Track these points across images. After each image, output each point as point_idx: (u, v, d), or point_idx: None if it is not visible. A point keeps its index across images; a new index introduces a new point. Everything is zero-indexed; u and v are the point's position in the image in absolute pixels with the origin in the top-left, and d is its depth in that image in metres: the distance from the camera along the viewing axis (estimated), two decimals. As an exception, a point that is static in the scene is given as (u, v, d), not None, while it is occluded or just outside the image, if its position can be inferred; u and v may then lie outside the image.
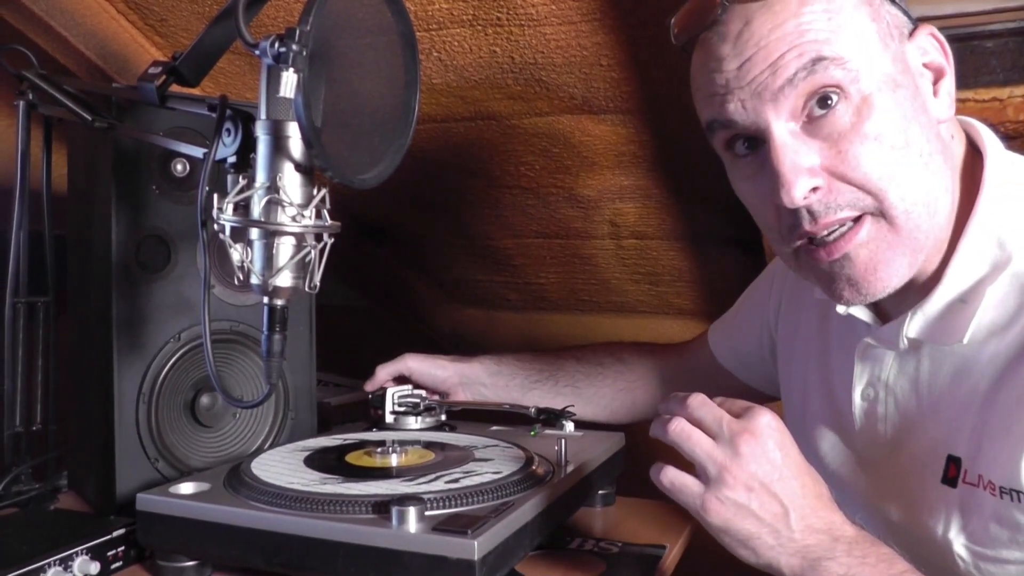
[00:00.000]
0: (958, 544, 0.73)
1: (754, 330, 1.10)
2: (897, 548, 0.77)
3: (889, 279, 0.73)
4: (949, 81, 0.75)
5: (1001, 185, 0.74)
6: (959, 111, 0.80)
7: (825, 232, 0.72)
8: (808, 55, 0.68)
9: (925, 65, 0.74)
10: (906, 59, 0.72)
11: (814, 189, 0.70)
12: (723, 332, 1.17)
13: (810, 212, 0.71)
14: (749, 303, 1.14)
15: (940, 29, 0.90)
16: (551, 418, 1.10)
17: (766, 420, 0.70)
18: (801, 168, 0.69)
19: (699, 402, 0.72)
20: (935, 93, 0.74)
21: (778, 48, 0.69)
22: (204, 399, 1.08)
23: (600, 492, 1.10)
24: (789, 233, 0.74)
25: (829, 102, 0.69)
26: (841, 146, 0.69)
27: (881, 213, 0.71)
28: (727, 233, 1.45)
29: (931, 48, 0.74)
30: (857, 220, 0.71)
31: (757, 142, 0.73)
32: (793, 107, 0.70)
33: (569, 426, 1.09)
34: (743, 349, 1.13)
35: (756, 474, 0.68)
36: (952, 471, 0.74)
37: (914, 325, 0.77)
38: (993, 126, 0.99)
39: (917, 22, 0.75)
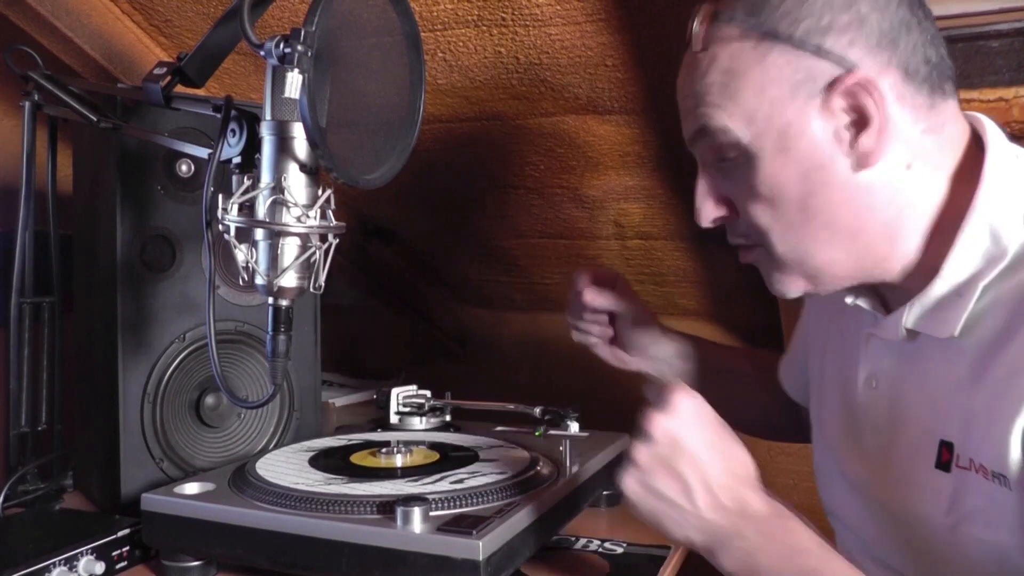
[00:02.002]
0: (947, 527, 0.74)
1: (801, 353, 1.09)
2: (898, 535, 0.79)
3: (786, 291, 0.81)
4: (875, 128, 0.71)
5: (1000, 179, 0.75)
6: (964, 110, 0.80)
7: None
8: (698, 122, 0.77)
9: (847, 110, 0.72)
10: (812, 117, 0.72)
11: (720, 217, 0.81)
12: (786, 363, 1.16)
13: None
14: (798, 328, 1.14)
15: (945, 29, 0.89)
16: (556, 418, 1.10)
17: (679, 401, 0.74)
18: (709, 200, 0.81)
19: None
20: (854, 143, 0.72)
21: (686, 106, 0.78)
22: (209, 399, 1.08)
23: (605, 493, 1.10)
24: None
25: (727, 158, 0.77)
26: (736, 195, 0.78)
27: (766, 248, 0.78)
28: (732, 233, 1.45)
29: (860, 94, 0.71)
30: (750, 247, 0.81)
31: None
32: (703, 154, 0.80)
33: (574, 427, 1.09)
34: (800, 376, 1.11)
35: (659, 454, 0.72)
36: (945, 456, 0.75)
37: (911, 316, 0.78)
38: (998, 126, 0.99)
39: (851, 66, 0.71)
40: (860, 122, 0.72)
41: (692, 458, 0.72)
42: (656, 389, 0.76)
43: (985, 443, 0.71)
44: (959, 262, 0.74)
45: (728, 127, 0.74)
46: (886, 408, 0.84)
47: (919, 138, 0.75)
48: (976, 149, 0.78)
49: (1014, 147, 0.78)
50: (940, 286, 0.75)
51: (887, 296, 0.84)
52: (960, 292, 0.74)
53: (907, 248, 0.77)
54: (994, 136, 0.77)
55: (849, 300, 0.86)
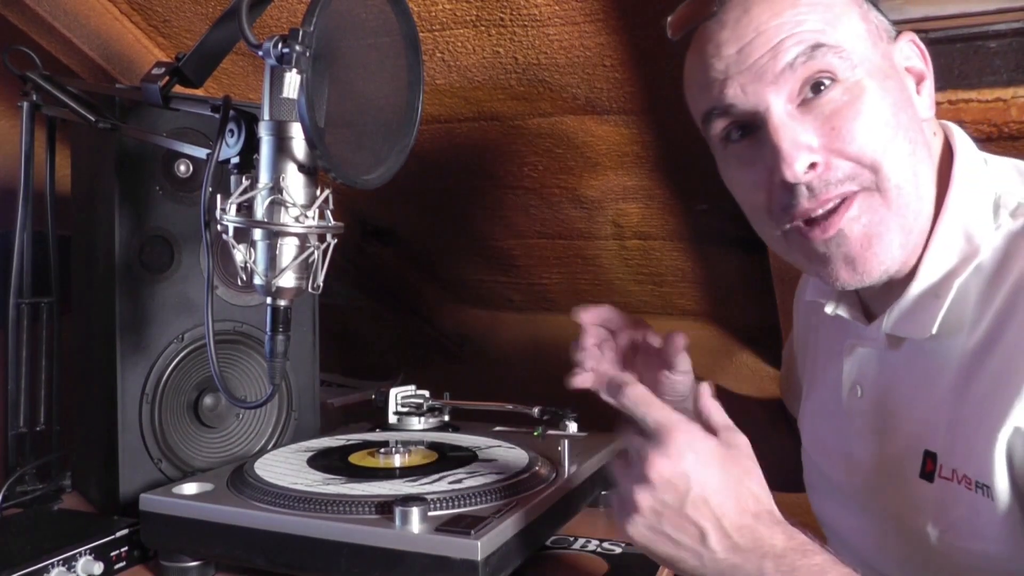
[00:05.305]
0: (934, 537, 0.74)
1: (793, 369, 1.09)
2: (893, 546, 0.79)
3: (884, 254, 0.74)
4: (930, 84, 0.79)
5: (970, 181, 0.76)
6: (963, 112, 0.81)
7: (822, 210, 0.73)
8: (808, 42, 0.72)
9: (907, 69, 0.78)
10: (892, 58, 0.77)
11: (812, 165, 0.72)
12: (783, 384, 1.15)
13: (809, 189, 0.73)
14: (786, 347, 1.13)
15: (943, 29, 0.91)
16: (554, 419, 1.10)
17: (682, 439, 0.69)
18: (800, 144, 0.72)
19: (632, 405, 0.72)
20: (918, 92, 0.78)
21: (777, 34, 0.72)
22: (207, 400, 1.08)
23: (603, 493, 1.10)
24: (783, 213, 0.75)
25: (822, 87, 0.72)
26: (835, 122, 0.72)
27: (876, 187, 0.73)
28: (730, 233, 1.45)
29: (912, 54, 0.79)
30: (852, 195, 0.73)
31: (751, 128, 0.75)
32: (791, 90, 0.73)
33: (572, 427, 1.09)
34: (798, 393, 1.10)
35: (664, 499, 0.68)
36: (929, 466, 0.75)
37: (890, 320, 0.79)
38: (997, 127, 0.99)
39: (899, 30, 0.79)
40: (916, 78, 0.78)
41: (702, 502, 0.67)
42: (652, 427, 0.71)
43: (969, 453, 0.71)
44: (934, 262, 0.75)
45: (842, 46, 0.72)
46: (871, 417, 0.83)
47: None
48: (948, 155, 0.80)
49: (983, 154, 0.80)
50: (916, 287, 0.76)
51: (870, 304, 0.84)
52: (936, 292, 0.75)
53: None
54: (963, 142, 0.80)
55: (829, 309, 0.86)
